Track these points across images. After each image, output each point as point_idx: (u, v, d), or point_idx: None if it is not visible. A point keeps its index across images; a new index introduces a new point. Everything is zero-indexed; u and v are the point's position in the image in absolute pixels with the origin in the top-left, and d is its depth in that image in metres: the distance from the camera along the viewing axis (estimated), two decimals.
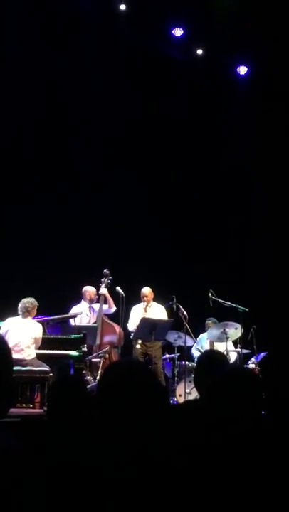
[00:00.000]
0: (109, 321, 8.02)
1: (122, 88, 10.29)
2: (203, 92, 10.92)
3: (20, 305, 7.18)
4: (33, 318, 7.32)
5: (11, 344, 6.73)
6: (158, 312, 8.35)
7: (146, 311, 8.26)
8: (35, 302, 7.25)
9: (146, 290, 8.42)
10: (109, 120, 10.26)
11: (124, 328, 8.10)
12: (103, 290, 8.12)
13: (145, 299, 8.35)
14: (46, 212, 9.75)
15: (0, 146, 9.54)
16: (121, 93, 10.27)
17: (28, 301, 7.20)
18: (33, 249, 9.46)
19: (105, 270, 8.15)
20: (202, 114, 10.89)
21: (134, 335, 7.97)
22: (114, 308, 8.16)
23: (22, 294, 7.37)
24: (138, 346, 7.85)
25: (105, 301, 8.15)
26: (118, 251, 9.53)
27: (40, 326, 7.18)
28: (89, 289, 8.37)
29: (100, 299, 8.14)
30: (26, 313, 7.14)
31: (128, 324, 8.27)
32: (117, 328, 7.80)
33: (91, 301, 8.35)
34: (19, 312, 7.16)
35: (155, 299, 8.51)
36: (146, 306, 8.31)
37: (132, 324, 8.24)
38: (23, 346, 6.93)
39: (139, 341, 7.85)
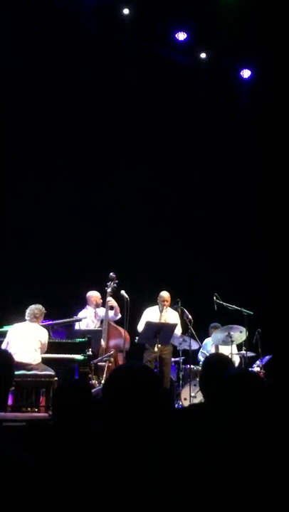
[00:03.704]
0: (115, 325, 7.98)
1: (124, 92, 10.29)
2: (206, 95, 10.92)
3: (28, 311, 7.17)
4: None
5: (17, 348, 6.75)
6: (173, 317, 8.34)
7: (162, 315, 8.25)
8: (43, 309, 7.24)
9: (166, 294, 8.37)
10: (110, 124, 10.29)
11: (132, 330, 8.05)
12: (111, 300, 8.03)
13: (165, 303, 8.31)
14: (50, 217, 9.76)
15: (4, 152, 9.57)
16: (122, 97, 10.28)
17: (37, 308, 7.20)
18: (37, 253, 9.46)
19: (111, 274, 8.07)
20: (205, 117, 10.89)
21: (138, 338, 7.96)
22: (119, 316, 8.12)
23: (27, 299, 7.36)
24: (156, 349, 7.78)
25: (111, 308, 8.09)
26: (122, 255, 9.51)
27: (45, 331, 7.17)
28: (94, 294, 8.33)
29: (106, 306, 8.07)
30: (34, 318, 7.13)
31: (139, 327, 8.18)
32: (123, 332, 7.75)
33: (96, 306, 8.31)
34: (26, 317, 7.15)
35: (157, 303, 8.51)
36: (163, 310, 8.29)
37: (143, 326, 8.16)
38: (29, 349, 6.91)
39: (158, 345, 7.80)
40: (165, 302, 8.32)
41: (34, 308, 7.18)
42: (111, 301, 7.99)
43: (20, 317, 7.25)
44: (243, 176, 10.97)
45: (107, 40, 10.22)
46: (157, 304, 8.44)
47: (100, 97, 10.19)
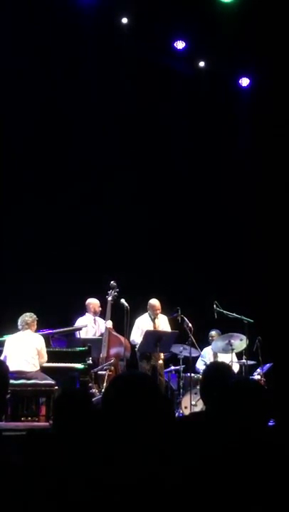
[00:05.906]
0: (115, 333, 7.97)
1: (124, 92, 10.24)
2: (205, 103, 10.87)
3: (19, 320, 7.16)
4: (38, 332, 7.30)
5: (14, 358, 6.70)
6: (164, 323, 8.32)
7: (155, 322, 8.20)
8: (35, 316, 7.22)
9: (157, 302, 8.32)
10: (110, 124, 10.26)
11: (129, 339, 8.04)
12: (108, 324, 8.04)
13: (157, 311, 8.26)
14: (49, 225, 9.71)
15: (4, 152, 9.51)
16: (123, 97, 10.24)
17: (27, 315, 7.18)
18: (36, 261, 9.39)
19: (112, 282, 8.10)
20: (204, 126, 10.86)
21: (139, 348, 7.92)
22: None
23: (26, 307, 7.32)
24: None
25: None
26: (122, 263, 9.47)
27: (41, 337, 7.15)
28: (93, 302, 8.35)
29: (106, 316, 8.08)
30: (26, 326, 7.11)
31: (133, 337, 8.16)
32: (124, 340, 7.74)
33: (95, 314, 8.33)
34: (19, 326, 7.14)
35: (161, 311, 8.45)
36: (156, 317, 8.24)
37: (138, 336, 8.13)
38: (27, 358, 6.88)
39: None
40: (157, 310, 8.27)
41: (25, 316, 7.18)
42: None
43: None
44: (243, 175, 10.89)
45: (107, 41, 10.19)
46: (147, 312, 8.37)
47: (100, 97, 10.16)
